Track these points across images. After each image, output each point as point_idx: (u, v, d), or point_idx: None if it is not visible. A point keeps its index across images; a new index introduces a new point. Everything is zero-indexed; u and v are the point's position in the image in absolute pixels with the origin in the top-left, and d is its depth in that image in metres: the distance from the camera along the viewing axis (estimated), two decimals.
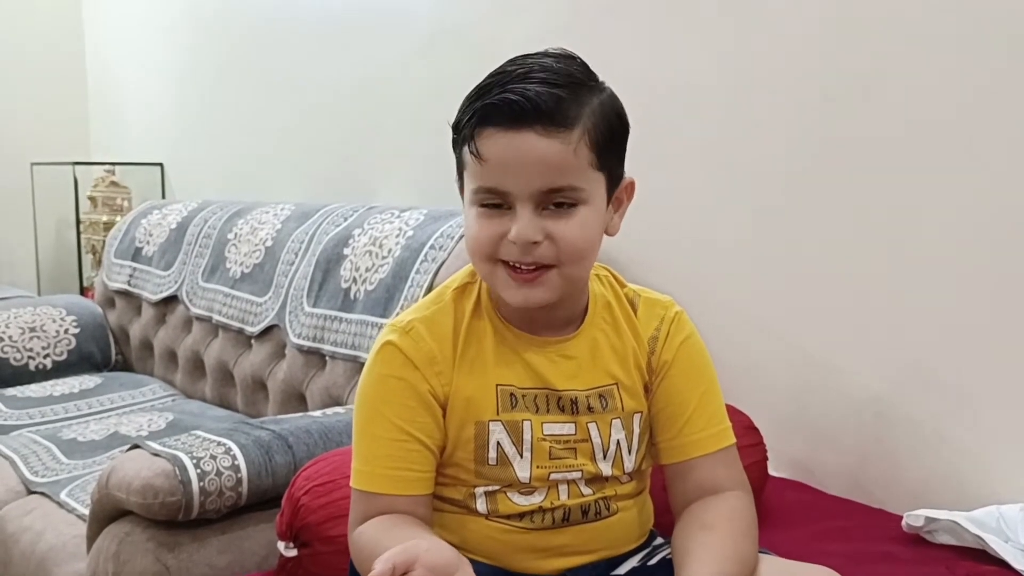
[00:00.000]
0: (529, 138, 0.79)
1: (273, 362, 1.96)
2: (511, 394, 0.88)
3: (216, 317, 2.14)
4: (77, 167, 3.17)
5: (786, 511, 1.29)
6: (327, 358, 1.81)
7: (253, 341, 2.03)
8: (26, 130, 3.41)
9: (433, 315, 0.90)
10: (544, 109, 0.78)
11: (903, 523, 1.20)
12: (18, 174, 3.31)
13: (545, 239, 0.81)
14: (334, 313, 1.81)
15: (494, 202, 0.82)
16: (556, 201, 0.81)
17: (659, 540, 0.96)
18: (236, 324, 2.07)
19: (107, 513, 1.23)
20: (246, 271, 2.12)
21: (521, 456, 0.87)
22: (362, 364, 1.75)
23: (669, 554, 0.90)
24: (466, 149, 0.83)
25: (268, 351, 1.98)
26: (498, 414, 0.87)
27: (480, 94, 0.81)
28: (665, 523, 0.95)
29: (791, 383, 1.47)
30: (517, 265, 0.83)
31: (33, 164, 3.30)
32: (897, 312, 1.33)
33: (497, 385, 0.88)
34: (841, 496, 1.37)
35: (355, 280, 1.80)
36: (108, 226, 3.08)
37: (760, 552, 0.86)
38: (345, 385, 1.74)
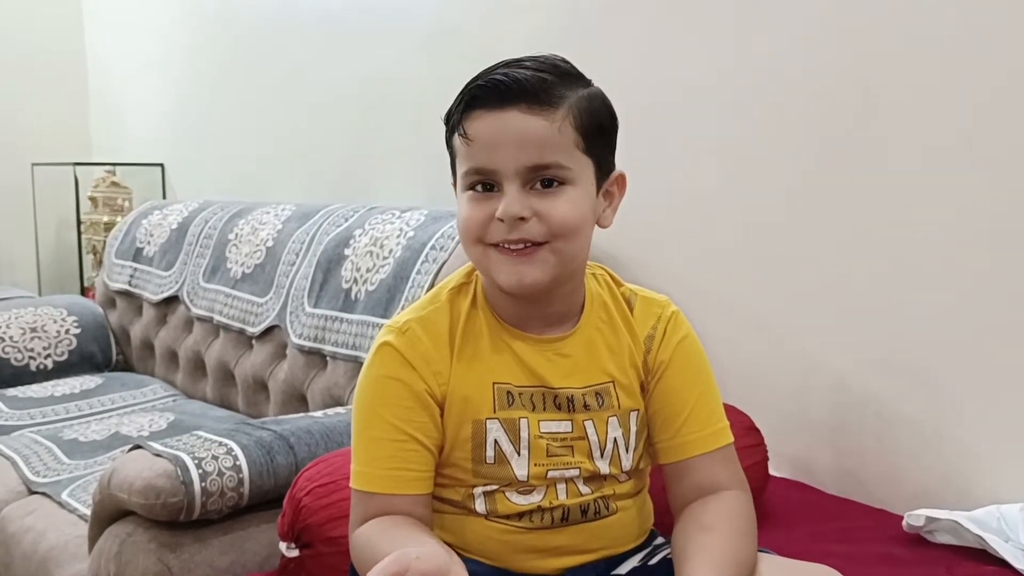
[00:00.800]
0: (514, 116, 0.81)
1: (274, 362, 1.96)
2: (508, 392, 0.88)
3: (217, 317, 2.14)
4: (78, 168, 3.17)
5: (787, 511, 1.30)
6: (328, 358, 1.81)
7: (254, 341, 2.03)
8: (27, 131, 3.41)
9: (429, 315, 0.90)
10: (529, 88, 0.81)
11: (903, 523, 1.20)
12: (19, 175, 3.31)
13: (533, 216, 0.82)
14: (335, 313, 1.81)
15: (484, 182, 0.84)
16: (543, 179, 0.83)
17: (660, 540, 0.97)
18: (237, 324, 2.07)
19: (109, 513, 1.23)
20: (247, 271, 2.12)
21: (519, 454, 0.88)
22: (363, 364, 1.76)
23: (670, 554, 0.90)
24: (456, 135, 0.85)
25: (269, 351, 1.98)
26: (495, 412, 0.88)
27: (469, 83, 0.85)
28: (666, 523, 0.95)
29: (791, 384, 1.47)
30: (506, 245, 0.83)
31: (34, 164, 3.30)
32: (897, 313, 1.33)
33: (494, 383, 0.88)
34: (842, 496, 1.37)
35: (356, 280, 1.80)
36: (109, 226, 3.08)
37: (760, 551, 0.86)
38: (346, 385, 1.74)
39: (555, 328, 0.91)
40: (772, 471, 1.36)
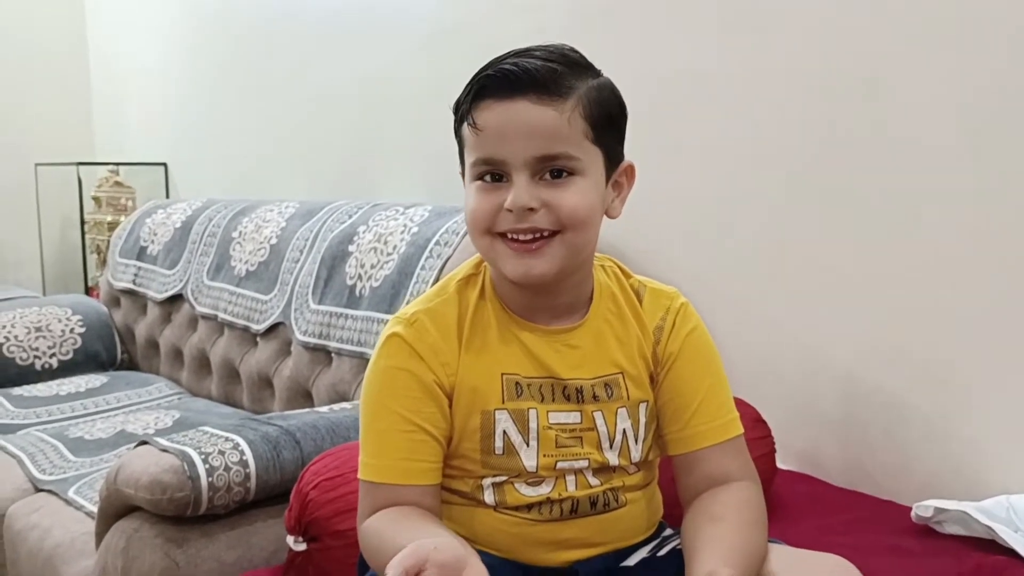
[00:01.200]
0: (523, 106, 0.81)
1: (279, 359, 1.96)
2: (516, 383, 0.88)
3: (221, 315, 2.14)
4: (81, 167, 3.17)
5: (794, 504, 1.29)
6: (333, 355, 1.81)
7: (259, 339, 2.03)
8: (30, 131, 3.41)
9: (437, 307, 0.90)
10: (538, 79, 0.81)
11: (912, 514, 1.20)
12: (22, 175, 3.31)
13: (542, 207, 0.82)
14: (339, 310, 1.81)
15: (493, 172, 0.84)
16: (552, 169, 0.83)
17: (668, 531, 0.96)
18: (241, 322, 2.07)
19: (115, 509, 1.23)
20: (251, 269, 2.12)
21: (527, 445, 0.87)
22: (368, 360, 1.76)
23: (679, 545, 0.90)
24: (465, 124, 0.85)
25: (274, 348, 1.98)
26: (504, 403, 0.87)
27: (479, 72, 0.84)
28: (675, 515, 0.95)
29: (799, 376, 1.47)
30: (515, 236, 0.83)
31: (37, 165, 3.31)
32: (905, 305, 1.33)
33: (502, 374, 0.88)
34: (850, 488, 1.36)
35: (360, 277, 1.80)
36: (112, 226, 3.08)
37: (771, 542, 0.85)
38: (351, 381, 1.74)
39: (564, 319, 0.91)
40: (779, 464, 1.35)
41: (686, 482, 0.91)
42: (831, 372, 1.42)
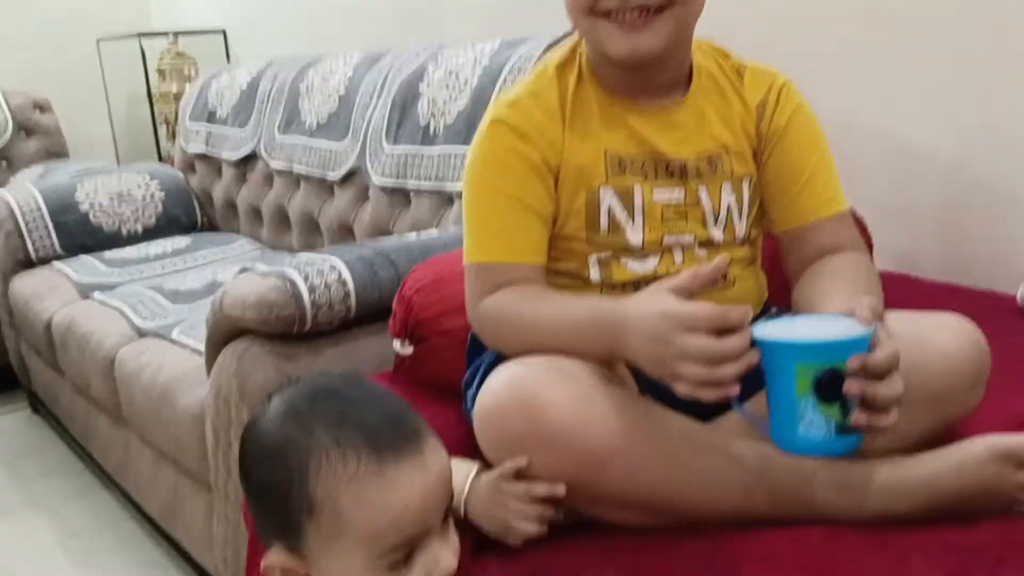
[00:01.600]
0: None
1: (358, 205, 1.97)
2: (619, 160, 0.87)
3: (297, 168, 2.16)
4: (143, 40, 3.15)
5: (894, 301, 1.26)
6: (412, 194, 1.81)
7: (336, 187, 2.05)
8: (87, 4, 3.39)
9: (538, 90, 0.89)
10: None
11: (1018, 296, 1.17)
12: (85, 51, 3.31)
13: None
14: (415, 149, 1.80)
15: None
16: None
17: (775, 310, 0.96)
18: (317, 172, 2.08)
19: (224, 335, 1.28)
20: (322, 121, 2.11)
21: (633, 221, 0.87)
22: (448, 196, 1.76)
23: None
24: None
25: (352, 195, 2.00)
26: (608, 180, 0.87)
27: None
28: (778, 302, 0.94)
29: (894, 174, 1.42)
30: (622, 15, 0.81)
31: (99, 40, 3.30)
32: (1009, 88, 1.27)
33: (606, 151, 0.87)
34: (951, 283, 1.34)
35: (433, 115, 1.78)
36: (178, 96, 3.09)
37: None
38: (432, 219, 1.75)
39: (663, 98, 0.89)
40: (877, 265, 1.33)
41: (796, 256, 0.91)
42: (931, 164, 1.37)
